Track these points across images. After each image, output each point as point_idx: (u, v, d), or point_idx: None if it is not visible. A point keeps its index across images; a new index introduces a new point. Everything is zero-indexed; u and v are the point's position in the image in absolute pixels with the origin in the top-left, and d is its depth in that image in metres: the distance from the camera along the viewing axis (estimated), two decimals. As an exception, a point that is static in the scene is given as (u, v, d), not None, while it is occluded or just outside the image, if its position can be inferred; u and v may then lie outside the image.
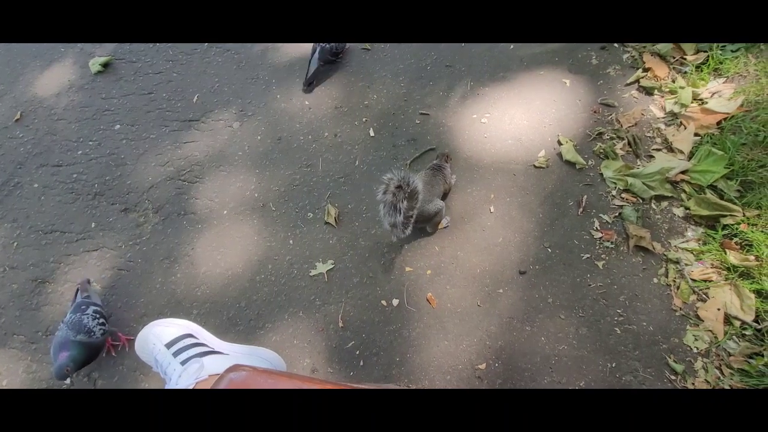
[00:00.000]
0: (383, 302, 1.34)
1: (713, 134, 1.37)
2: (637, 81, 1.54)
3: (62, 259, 1.61)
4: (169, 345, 0.86)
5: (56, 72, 2.15)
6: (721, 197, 1.27)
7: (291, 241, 1.49)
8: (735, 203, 1.24)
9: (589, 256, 1.30)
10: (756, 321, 1.11)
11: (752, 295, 1.13)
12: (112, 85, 2.04)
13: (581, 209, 1.37)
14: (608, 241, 1.31)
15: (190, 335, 0.90)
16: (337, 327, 1.32)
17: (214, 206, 1.61)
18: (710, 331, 1.14)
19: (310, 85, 1.80)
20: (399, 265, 1.39)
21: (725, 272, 1.19)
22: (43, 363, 1.42)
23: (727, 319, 1.14)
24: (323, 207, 1.53)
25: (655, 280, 1.24)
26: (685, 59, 1.52)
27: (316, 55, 1.79)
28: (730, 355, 1.10)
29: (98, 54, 2.14)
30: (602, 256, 1.29)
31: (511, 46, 1.74)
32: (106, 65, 2.09)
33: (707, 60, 1.48)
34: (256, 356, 0.92)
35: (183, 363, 0.81)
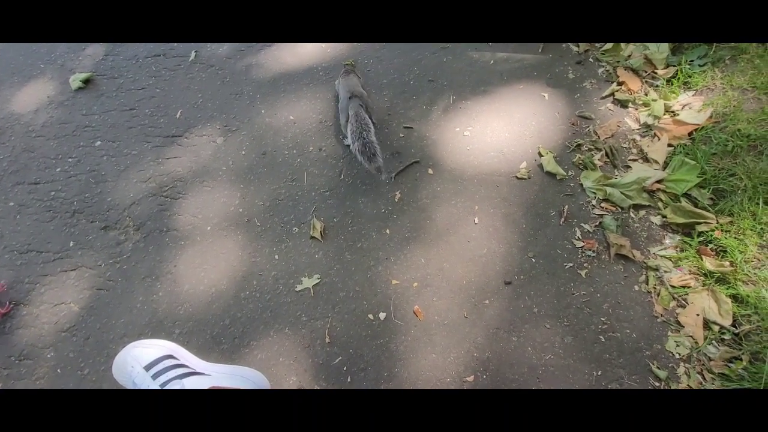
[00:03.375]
0: (370, 316, 1.33)
1: (686, 145, 1.42)
2: (612, 94, 1.60)
3: (38, 280, 1.55)
4: (148, 367, 0.83)
5: (35, 88, 2.12)
6: (696, 205, 1.31)
7: (276, 257, 1.48)
8: (709, 211, 1.28)
9: (572, 265, 1.32)
10: (734, 325, 1.14)
11: (729, 300, 1.16)
12: (93, 102, 2.01)
13: (563, 219, 1.39)
14: (590, 250, 1.33)
15: (170, 356, 0.88)
16: (323, 343, 1.30)
17: (197, 222, 1.59)
18: (691, 336, 1.16)
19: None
20: (385, 278, 1.38)
21: (702, 278, 1.22)
22: (15, 389, 1.36)
23: (707, 324, 1.16)
24: (309, 221, 1.52)
25: (637, 288, 1.26)
26: (656, 73, 1.59)
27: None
28: (710, 359, 1.13)
29: (79, 70, 2.12)
30: (585, 264, 1.32)
31: (491, 61, 1.79)
32: (86, 81, 2.07)
33: (676, 74, 1.54)
34: (239, 376, 0.90)
35: (162, 386, 0.79)
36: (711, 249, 1.25)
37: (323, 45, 1.99)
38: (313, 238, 1.49)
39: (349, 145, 1.50)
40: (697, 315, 1.17)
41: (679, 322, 1.19)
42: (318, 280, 1.41)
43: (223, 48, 2.09)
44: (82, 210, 1.69)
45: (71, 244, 1.62)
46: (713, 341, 1.14)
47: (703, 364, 1.13)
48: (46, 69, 2.18)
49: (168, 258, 1.53)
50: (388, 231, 1.46)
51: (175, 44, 2.15)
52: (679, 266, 1.26)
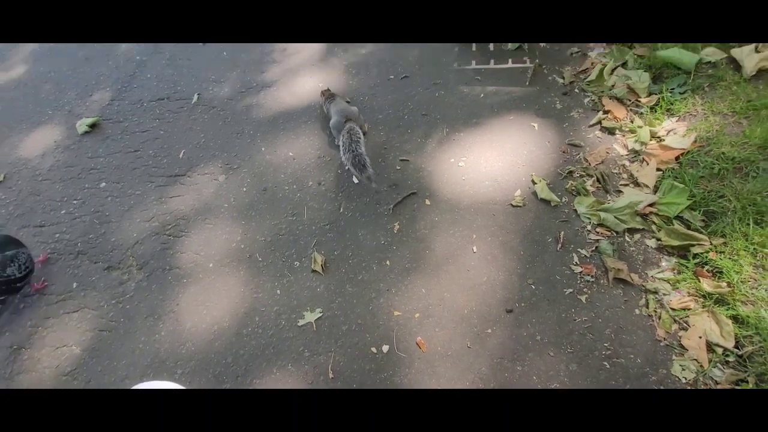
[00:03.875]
0: (373, 349, 1.32)
1: (674, 168, 1.46)
2: (599, 122, 1.66)
3: (41, 323, 1.55)
4: (152, 411, 0.83)
5: (42, 134, 2.19)
6: (689, 227, 1.34)
7: (278, 291, 1.48)
8: (701, 232, 1.31)
9: (571, 290, 1.33)
10: (737, 347, 1.14)
11: (729, 321, 1.16)
12: (99, 145, 2.08)
13: (560, 245, 1.41)
14: (588, 275, 1.35)
15: (174, 399, 0.88)
16: (327, 378, 1.29)
17: (199, 260, 1.61)
18: (695, 360, 1.16)
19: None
20: (387, 310, 1.39)
21: (702, 300, 1.23)
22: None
23: (710, 347, 1.16)
24: (310, 255, 1.54)
25: (637, 311, 1.27)
26: (639, 101, 1.66)
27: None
28: (717, 383, 1.12)
29: (86, 115, 2.20)
30: (584, 290, 1.33)
31: (482, 95, 1.87)
32: (93, 125, 2.15)
33: (659, 101, 1.61)
34: (243, 417, 0.90)
35: (166, 430, 0.78)
36: (707, 270, 1.26)
37: (319, 84, 2.08)
38: (314, 271, 1.50)
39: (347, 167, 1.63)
40: (700, 337, 1.17)
41: (682, 345, 1.18)
42: (320, 314, 1.41)
43: (224, 90, 2.18)
44: (85, 251, 1.71)
45: (74, 286, 1.63)
46: (718, 364, 1.14)
47: (710, 388, 1.11)
48: (54, 115, 2.26)
49: (170, 296, 1.54)
50: (388, 262, 1.48)
51: (179, 88, 2.24)
52: (677, 288, 1.27)
